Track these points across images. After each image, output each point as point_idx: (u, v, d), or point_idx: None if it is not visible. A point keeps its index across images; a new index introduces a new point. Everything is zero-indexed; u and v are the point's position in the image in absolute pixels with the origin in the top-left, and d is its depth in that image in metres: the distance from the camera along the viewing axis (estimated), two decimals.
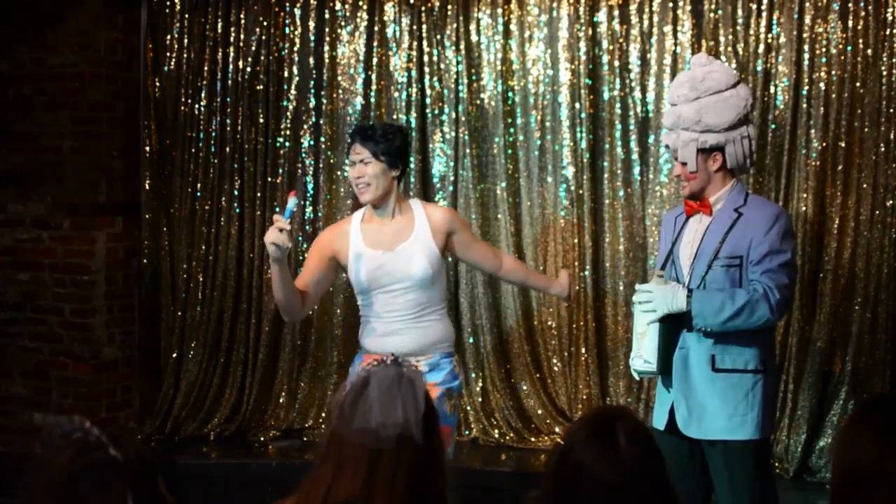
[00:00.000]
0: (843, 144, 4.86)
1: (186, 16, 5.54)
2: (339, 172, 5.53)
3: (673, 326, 3.47)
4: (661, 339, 3.45)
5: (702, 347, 3.46)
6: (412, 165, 5.44)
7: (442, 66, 5.42)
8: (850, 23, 4.82)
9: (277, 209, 3.65)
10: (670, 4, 5.11)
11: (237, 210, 5.56)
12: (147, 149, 5.58)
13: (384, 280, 3.70)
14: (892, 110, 4.80)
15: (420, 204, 3.84)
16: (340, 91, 5.52)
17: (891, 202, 4.81)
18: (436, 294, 3.75)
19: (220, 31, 5.53)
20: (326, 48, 5.49)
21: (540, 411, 5.33)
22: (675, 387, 3.52)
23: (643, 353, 3.48)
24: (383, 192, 3.72)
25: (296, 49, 5.53)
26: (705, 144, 3.50)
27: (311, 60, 5.52)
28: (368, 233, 3.75)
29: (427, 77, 5.42)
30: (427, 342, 3.72)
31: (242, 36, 5.53)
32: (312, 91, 5.53)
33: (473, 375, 5.40)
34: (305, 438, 5.44)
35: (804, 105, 4.89)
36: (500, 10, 5.31)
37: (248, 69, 5.52)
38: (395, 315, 3.71)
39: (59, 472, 1.70)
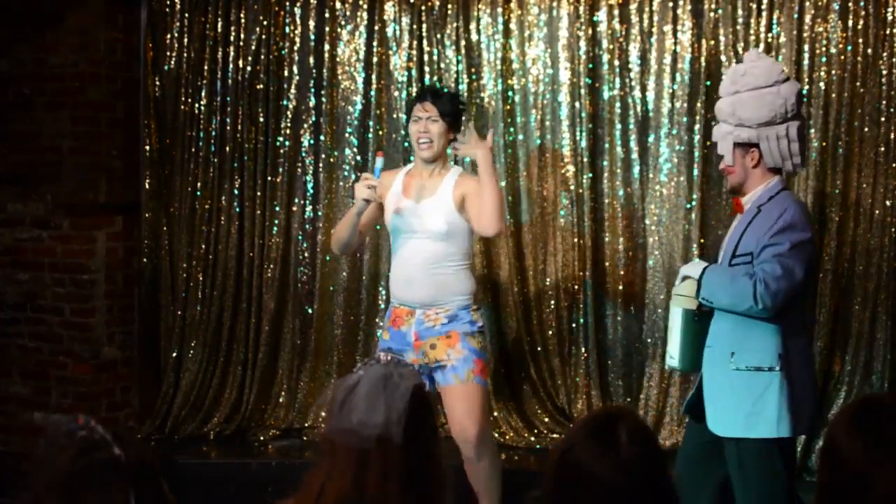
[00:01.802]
0: (842, 144, 4.86)
1: (186, 15, 5.54)
2: (339, 171, 5.53)
3: (702, 324, 3.50)
4: (686, 336, 3.48)
5: (723, 345, 3.49)
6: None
7: (442, 65, 5.41)
8: (850, 22, 4.82)
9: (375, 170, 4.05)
10: (670, 4, 5.11)
11: (237, 209, 5.56)
12: (147, 148, 5.58)
13: (406, 228, 4.11)
14: (892, 110, 4.80)
15: (459, 170, 4.22)
16: (340, 90, 5.52)
17: (890, 202, 4.81)
18: (453, 248, 4.09)
19: (220, 30, 5.53)
20: (326, 47, 5.49)
21: (539, 410, 5.33)
22: (704, 383, 3.56)
23: (669, 349, 3.57)
24: (439, 151, 4.13)
25: (296, 48, 5.53)
26: (739, 138, 3.53)
27: (311, 60, 5.52)
28: (408, 182, 4.18)
29: (427, 76, 5.41)
30: (442, 293, 4.08)
31: (242, 35, 5.52)
32: (312, 90, 5.52)
33: None
34: (305, 438, 5.44)
35: (804, 105, 4.88)
36: (500, 10, 5.31)
37: (248, 68, 5.52)
38: (415, 262, 4.09)
39: (62, 471, 1.70)
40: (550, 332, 5.35)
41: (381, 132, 5.48)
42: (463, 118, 4.27)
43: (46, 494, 1.71)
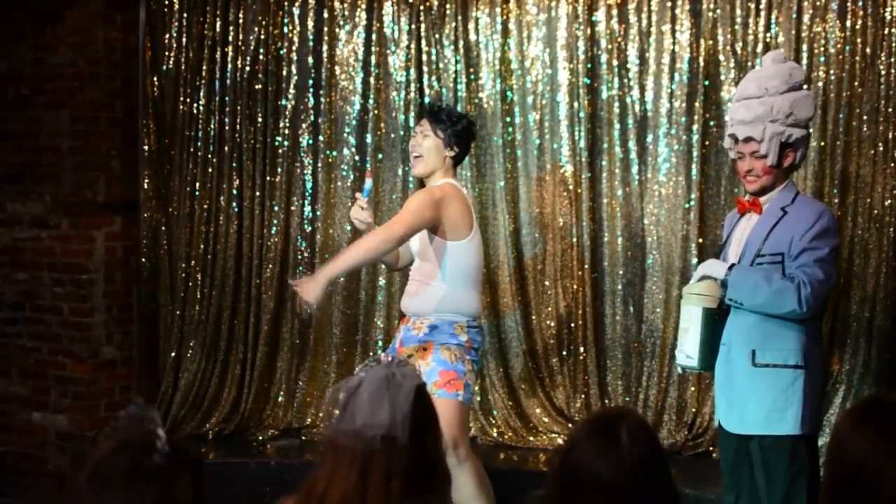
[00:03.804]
0: (841, 144, 4.86)
1: (185, 15, 5.54)
2: (337, 171, 5.53)
3: (718, 323, 3.50)
4: (704, 335, 3.48)
5: (743, 342, 3.48)
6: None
7: (440, 65, 5.41)
8: (849, 22, 4.82)
9: (361, 193, 4.12)
10: (669, 4, 5.11)
11: (236, 209, 5.56)
12: (146, 148, 5.58)
13: (409, 247, 4.14)
14: (890, 109, 4.80)
15: (442, 182, 4.09)
16: (339, 90, 5.52)
17: (889, 201, 4.81)
18: (431, 266, 4.04)
19: (218, 30, 5.53)
20: (325, 47, 5.49)
21: (538, 410, 5.33)
22: (716, 381, 3.56)
23: (685, 349, 3.54)
24: (433, 167, 4.06)
25: (294, 48, 5.53)
26: (790, 139, 3.50)
27: (310, 59, 5.52)
28: None
29: (426, 76, 5.42)
30: (426, 304, 4.03)
31: (241, 35, 5.52)
32: (311, 90, 5.53)
33: None
34: (304, 437, 5.44)
35: None
36: (498, 10, 5.31)
37: (247, 68, 5.52)
38: (413, 277, 4.13)
39: (97, 459, 1.70)
40: (550, 332, 5.35)
41: (379, 132, 5.48)
42: (470, 139, 4.16)
43: (83, 478, 1.72)
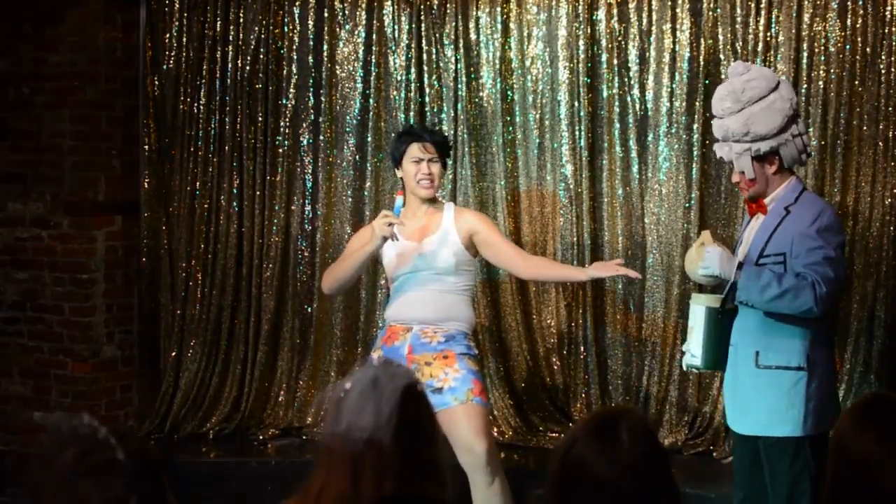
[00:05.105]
0: (841, 143, 4.86)
1: (185, 14, 5.54)
2: (338, 171, 5.53)
3: (725, 323, 3.50)
4: (708, 335, 3.48)
5: (748, 343, 3.48)
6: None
7: (441, 64, 5.41)
8: (849, 21, 4.82)
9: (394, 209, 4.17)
10: (669, 3, 5.11)
11: (236, 208, 5.56)
12: (146, 147, 5.58)
13: (411, 267, 4.11)
14: (890, 108, 4.80)
15: (452, 205, 4.26)
16: (339, 89, 5.52)
17: (889, 200, 4.81)
18: (461, 279, 4.15)
19: (219, 29, 5.53)
20: (325, 47, 5.49)
21: (539, 410, 5.33)
22: (725, 382, 3.58)
23: (691, 348, 3.56)
24: (438, 189, 4.23)
25: (295, 47, 5.53)
26: (759, 152, 3.48)
27: (311, 59, 5.52)
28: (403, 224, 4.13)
29: (426, 76, 5.42)
30: (446, 313, 4.09)
31: (241, 34, 5.52)
32: (311, 89, 5.53)
33: None
34: (304, 437, 5.44)
35: (803, 103, 4.88)
36: (498, 9, 5.31)
37: (247, 67, 5.52)
38: (422, 291, 4.10)
39: (63, 470, 1.70)
40: (550, 332, 5.35)
41: (379, 131, 5.48)
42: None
43: (48, 493, 1.71)
